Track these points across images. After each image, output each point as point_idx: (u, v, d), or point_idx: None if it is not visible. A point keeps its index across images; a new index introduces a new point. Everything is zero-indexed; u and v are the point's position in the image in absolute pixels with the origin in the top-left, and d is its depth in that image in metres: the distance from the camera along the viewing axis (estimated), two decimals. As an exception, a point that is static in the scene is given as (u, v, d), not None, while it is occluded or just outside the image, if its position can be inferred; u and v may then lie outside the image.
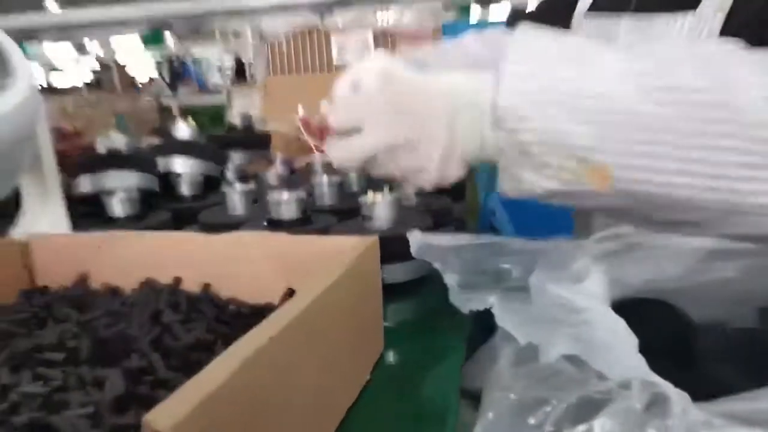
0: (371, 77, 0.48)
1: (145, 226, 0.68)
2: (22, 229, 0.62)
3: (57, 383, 0.36)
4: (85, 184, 0.70)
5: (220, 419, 0.22)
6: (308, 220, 0.63)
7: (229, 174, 0.88)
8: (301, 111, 1.39)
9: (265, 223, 0.63)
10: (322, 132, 1.04)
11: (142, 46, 7.16)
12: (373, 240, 0.41)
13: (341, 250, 0.44)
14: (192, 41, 7.79)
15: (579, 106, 0.39)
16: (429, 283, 0.59)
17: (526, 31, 0.46)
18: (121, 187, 0.69)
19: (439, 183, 0.45)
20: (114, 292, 0.50)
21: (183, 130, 0.90)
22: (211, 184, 0.84)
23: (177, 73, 5.52)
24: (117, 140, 0.76)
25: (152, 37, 7.11)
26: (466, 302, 0.44)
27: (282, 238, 0.47)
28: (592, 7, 0.72)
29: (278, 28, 3.23)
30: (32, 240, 0.51)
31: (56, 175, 0.61)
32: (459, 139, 0.44)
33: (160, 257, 0.50)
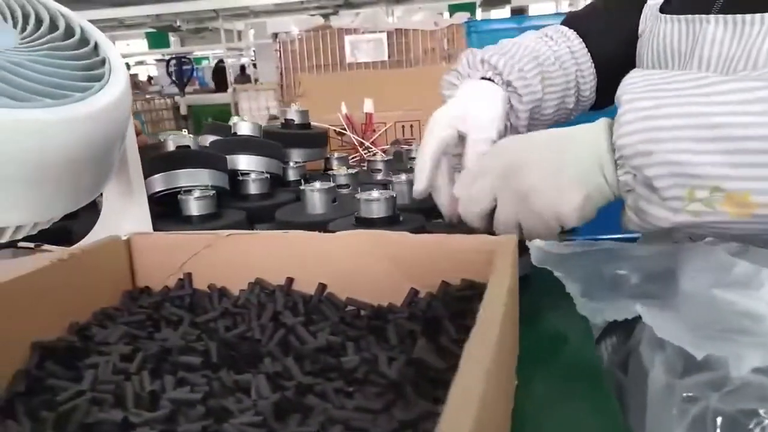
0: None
1: (222, 225, 0.66)
2: (104, 229, 0.60)
3: (204, 389, 0.35)
4: (158, 182, 0.69)
5: (484, 429, 0.21)
6: (397, 219, 0.61)
7: (291, 172, 0.86)
8: (344, 108, 1.37)
9: (354, 222, 0.61)
10: (364, 128, 1.03)
11: (147, 46, 7.16)
12: (512, 240, 0.40)
13: (471, 251, 0.43)
14: (195, 42, 7.77)
15: (706, 136, 0.39)
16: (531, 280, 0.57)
17: (637, 72, 0.47)
18: (196, 186, 0.67)
19: (558, 227, 0.48)
20: (221, 293, 0.48)
21: (244, 126, 0.88)
22: (272, 183, 0.82)
23: (182, 72, 5.51)
24: (184, 138, 0.75)
25: (157, 38, 7.10)
26: (598, 312, 0.43)
27: (399, 237, 0.46)
28: (669, 8, 0.70)
29: (290, 28, 3.22)
30: (134, 239, 0.49)
31: (141, 173, 0.59)
32: (577, 182, 0.46)
33: (266, 257, 0.48)
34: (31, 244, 0.63)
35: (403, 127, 1.29)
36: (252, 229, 0.71)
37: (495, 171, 0.50)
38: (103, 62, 0.51)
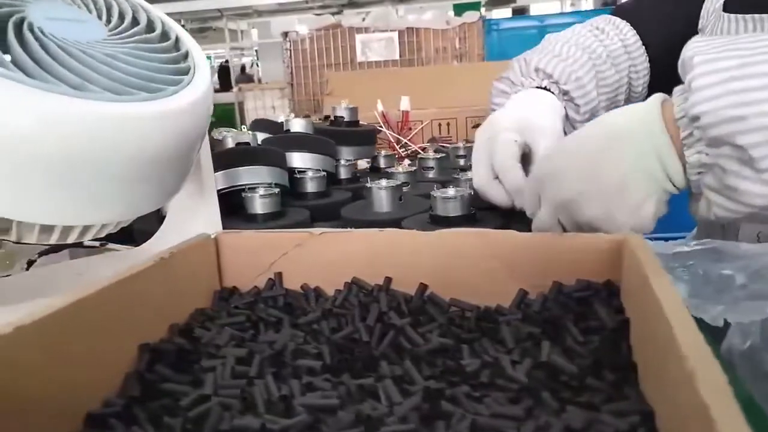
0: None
1: (288, 224, 0.65)
2: (173, 229, 0.59)
3: (334, 393, 0.33)
4: (219, 180, 0.67)
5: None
6: (474, 217, 0.60)
7: (342, 170, 0.85)
8: (380, 106, 1.35)
9: (428, 220, 0.60)
10: (400, 126, 1.02)
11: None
12: (640, 237, 0.39)
13: (584, 250, 0.42)
14: (198, 41, 7.75)
15: None
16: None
17: (701, 36, 0.44)
18: (259, 184, 0.66)
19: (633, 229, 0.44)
20: (317, 293, 0.47)
21: (297, 123, 0.87)
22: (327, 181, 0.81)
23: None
24: (243, 134, 0.73)
25: (159, 37, 7.07)
26: (718, 316, 0.41)
27: (507, 236, 0.44)
28: (734, 7, 0.68)
29: (296, 27, 3.21)
30: (221, 238, 0.48)
31: (212, 172, 0.58)
32: (645, 195, 0.43)
33: (358, 255, 0.47)
34: (97, 243, 0.62)
35: (439, 124, 1.28)
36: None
37: (553, 202, 0.48)
38: (186, 56, 0.50)
